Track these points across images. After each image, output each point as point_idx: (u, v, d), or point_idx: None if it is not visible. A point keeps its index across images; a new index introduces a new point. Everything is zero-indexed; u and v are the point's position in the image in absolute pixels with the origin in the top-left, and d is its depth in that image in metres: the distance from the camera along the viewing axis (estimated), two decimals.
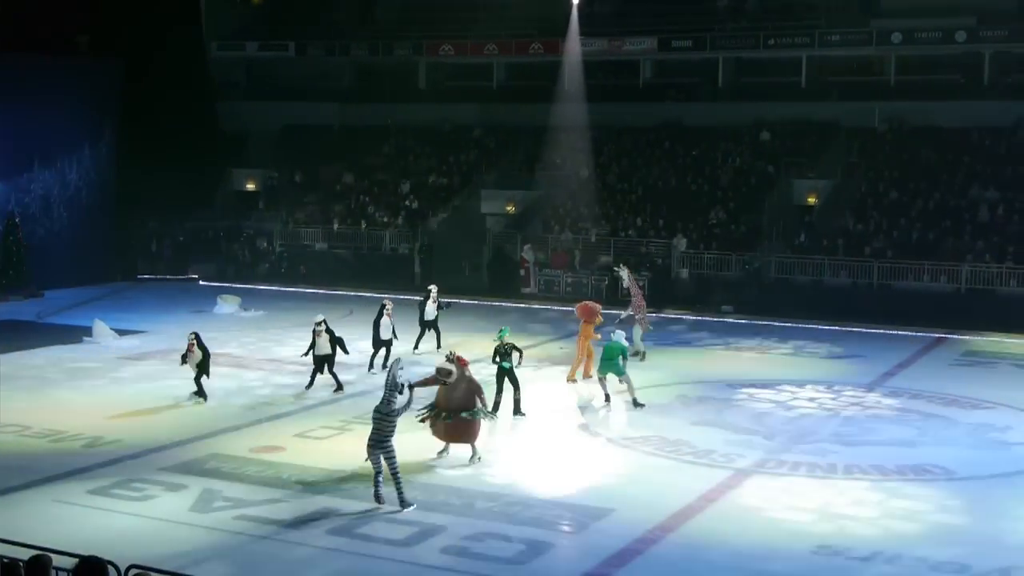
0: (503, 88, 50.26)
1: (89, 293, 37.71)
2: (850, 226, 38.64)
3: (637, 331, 27.15)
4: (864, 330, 32.90)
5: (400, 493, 15.96)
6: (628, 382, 22.40)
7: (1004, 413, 22.67)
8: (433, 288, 28.59)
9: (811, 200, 40.81)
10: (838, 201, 40.50)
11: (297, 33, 51.12)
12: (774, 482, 17.78)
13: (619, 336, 22.77)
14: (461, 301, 33.52)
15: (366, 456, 16.31)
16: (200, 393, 22.56)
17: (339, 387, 23.76)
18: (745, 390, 24.60)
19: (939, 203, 38.69)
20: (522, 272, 40.23)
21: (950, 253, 35.95)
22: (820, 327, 33.13)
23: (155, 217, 44.20)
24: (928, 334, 31.82)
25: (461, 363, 18.57)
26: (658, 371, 26.27)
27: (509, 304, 37.40)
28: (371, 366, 25.49)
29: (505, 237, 42.67)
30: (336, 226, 44.49)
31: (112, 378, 24.92)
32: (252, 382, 24.74)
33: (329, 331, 23.90)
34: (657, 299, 36.32)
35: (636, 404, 22.28)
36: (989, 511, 16.43)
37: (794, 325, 33.38)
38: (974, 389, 24.79)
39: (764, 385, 25.15)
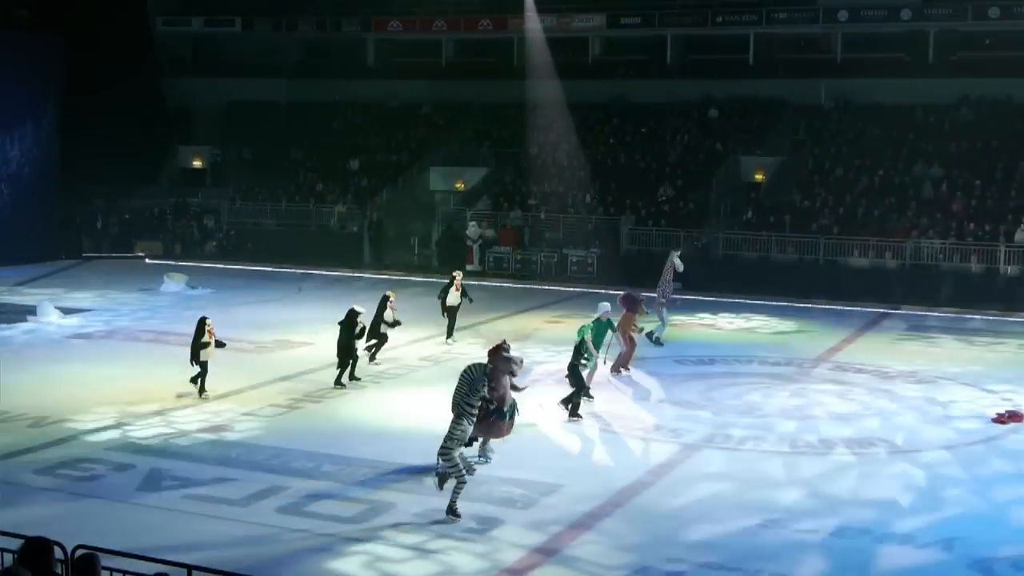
0: (452, 65, 50.13)
1: (33, 271, 37.26)
2: (797, 202, 38.98)
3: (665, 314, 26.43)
4: (810, 305, 33.25)
5: (454, 501, 14.83)
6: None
7: (947, 387, 23.01)
8: (457, 275, 27.24)
9: (758, 177, 41.12)
10: (785, 178, 40.84)
11: (243, 8, 50.68)
12: (721, 456, 17.95)
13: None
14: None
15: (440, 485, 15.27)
16: (202, 377, 21.21)
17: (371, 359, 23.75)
18: (693, 366, 24.80)
19: (884, 180, 39.11)
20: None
21: (895, 229, 36.38)
22: (767, 303, 33.43)
23: (100, 194, 43.74)
24: (873, 309, 32.20)
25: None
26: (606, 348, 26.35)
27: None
28: (372, 358, 23.98)
29: (455, 214, 42.63)
30: (284, 204, 44.23)
31: (57, 357, 24.65)
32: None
33: (374, 323, 23.61)
34: (607, 276, 36.55)
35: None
36: (932, 483, 16.68)
37: (741, 301, 33.65)
38: (918, 363, 25.13)
39: (711, 360, 25.38)
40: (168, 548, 12.92)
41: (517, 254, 39.76)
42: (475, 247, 40.20)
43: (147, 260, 41.70)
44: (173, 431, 18.88)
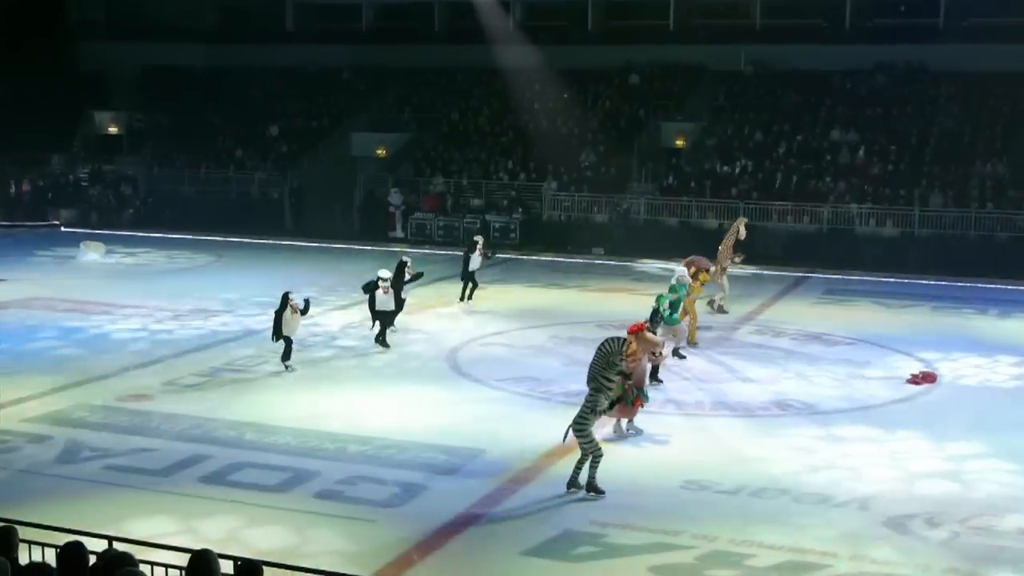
0: (372, 30, 49.68)
1: None
2: (717, 168, 39.31)
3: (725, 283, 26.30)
4: (730, 270, 33.51)
5: (594, 476, 14.56)
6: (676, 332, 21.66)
7: (863, 349, 23.43)
8: (479, 239, 27.42)
9: (679, 143, 41.35)
10: (705, 143, 41.14)
11: None
12: (643, 420, 18.10)
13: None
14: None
15: (564, 437, 15.01)
16: (288, 355, 20.76)
17: (385, 344, 22.50)
18: (615, 330, 24.92)
19: (802, 145, 39.58)
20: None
21: (812, 194, 36.88)
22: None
23: (12, 161, 42.78)
24: (791, 273, 32.63)
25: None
26: (529, 312, 26.50)
27: (379, 248, 37.20)
28: (383, 340, 22.62)
29: (376, 181, 42.39)
30: (204, 171, 43.67)
31: None
32: (120, 330, 24.22)
33: (395, 287, 22.81)
34: (528, 241, 36.68)
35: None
36: (849, 443, 16.99)
37: (662, 265, 33.89)
38: (835, 326, 25.55)
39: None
40: (88, 519, 12.79)
41: (439, 220, 39.67)
42: (397, 213, 40.03)
43: (63, 228, 40.96)
44: (92, 401, 18.63)
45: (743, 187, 37.79)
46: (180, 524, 13.41)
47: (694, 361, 22.11)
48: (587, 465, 14.58)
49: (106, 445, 16.34)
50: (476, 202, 40.15)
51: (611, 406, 15.58)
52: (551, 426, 17.65)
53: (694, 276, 22.72)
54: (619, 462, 15.90)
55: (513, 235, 38.43)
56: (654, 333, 18.91)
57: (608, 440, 16.08)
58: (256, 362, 21.54)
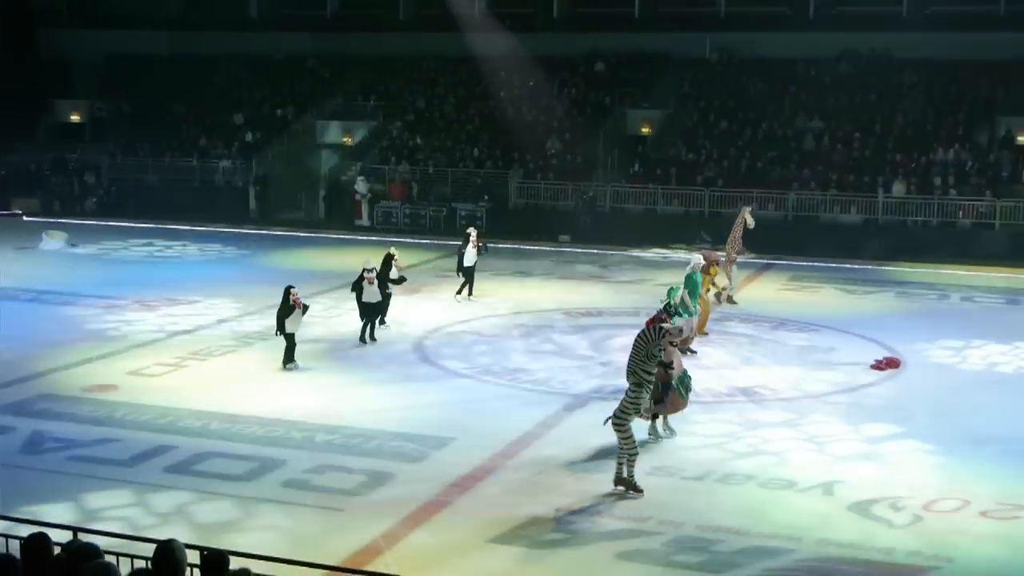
0: (337, 17, 49.41)
1: None
2: (682, 155, 39.41)
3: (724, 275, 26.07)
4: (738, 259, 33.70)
5: (632, 475, 14.24)
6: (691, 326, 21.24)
7: (828, 335, 23.58)
8: (472, 231, 26.72)
9: (645, 130, 41.43)
10: (671, 131, 41.23)
11: None
12: (610, 407, 18.11)
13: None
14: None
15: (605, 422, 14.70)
16: (291, 357, 20.09)
17: (372, 338, 22.12)
18: (582, 318, 25.03)
19: (767, 133, 39.74)
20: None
21: (777, 181, 37.05)
22: (653, 255, 33.83)
23: None
24: (757, 260, 32.72)
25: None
26: (496, 300, 26.51)
27: (345, 236, 37.14)
28: (372, 338, 22.26)
29: (342, 169, 42.24)
30: (168, 159, 43.37)
31: None
32: (84, 320, 24.05)
33: (380, 278, 22.24)
34: (495, 229, 36.62)
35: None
36: (813, 429, 17.10)
37: (627, 254, 33.99)
38: (800, 312, 25.71)
39: (599, 312, 25.63)
40: (52, 510, 12.73)
41: (406, 208, 39.60)
42: (363, 202, 39.92)
43: (24, 218, 40.58)
44: (56, 392, 18.50)
45: (708, 174, 37.92)
46: (146, 515, 13.35)
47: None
48: (624, 462, 14.29)
49: (70, 436, 16.24)
50: (442, 190, 40.07)
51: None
52: (518, 413, 17.73)
53: (705, 270, 22.63)
54: (587, 449, 15.95)
55: (479, 223, 38.34)
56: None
57: (643, 442, 15.88)
58: (222, 352, 21.45)
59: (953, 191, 35.45)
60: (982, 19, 39.04)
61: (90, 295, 26.57)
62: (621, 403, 14.36)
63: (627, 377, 14.51)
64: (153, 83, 47.10)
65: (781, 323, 24.66)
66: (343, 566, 11.48)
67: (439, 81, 45.30)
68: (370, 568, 11.19)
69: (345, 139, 43.86)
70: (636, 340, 14.40)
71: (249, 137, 43.88)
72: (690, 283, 21.17)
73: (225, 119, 45.46)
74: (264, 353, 21.19)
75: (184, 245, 35.01)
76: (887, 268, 32.19)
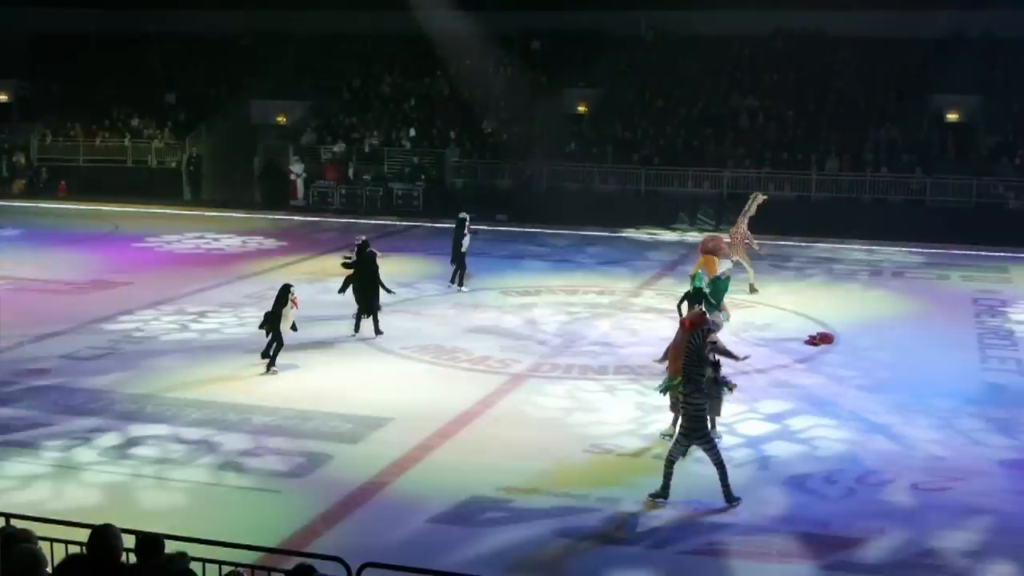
0: None
1: None
2: (619, 134, 39.53)
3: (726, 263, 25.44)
4: (633, 235, 33.89)
5: (727, 485, 13.36)
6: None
7: (763, 311, 23.82)
8: (467, 216, 25.75)
9: (581, 109, 41.50)
10: (607, 109, 41.32)
11: None
12: (548, 385, 18.24)
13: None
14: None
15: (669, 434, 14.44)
16: (272, 358, 18.71)
17: (357, 330, 21.01)
18: (517, 297, 25.06)
19: (702, 111, 39.95)
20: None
21: (713, 159, 37.29)
22: (591, 233, 33.95)
23: None
24: (692, 238, 32.93)
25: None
26: (434, 280, 26.47)
27: (281, 216, 36.87)
28: (358, 326, 21.27)
29: (277, 149, 41.88)
30: (99, 140, 42.75)
31: None
32: (16, 303, 23.65)
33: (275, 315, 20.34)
34: (432, 209, 36.62)
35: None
36: (748, 404, 17.25)
37: (566, 232, 34.08)
38: (735, 289, 25.78)
39: (537, 291, 25.65)
40: None
41: (341, 188, 39.37)
42: (299, 181, 39.65)
43: None
44: None
45: (645, 153, 38.08)
46: (79, 498, 13.20)
47: (599, 327, 22.31)
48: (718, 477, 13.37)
49: (1, 421, 15.99)
50: (378, 169, 39.88)
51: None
52: (456, 392, 17.73)
53: (712, 253, 22.67)
54: (526, 427, 16.01)
55: (416, 203, 38.32)
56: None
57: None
58: (156, 334, 21.23)
59: (884, 168, 35.91)
60: None
61: (20, 277, 26.15)
62: (684, 419, 13.55)
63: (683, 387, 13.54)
64: (83, 62, 46.35)
65: None
66: (281, 547, 11.44)
67: (374, 60, 45.02)
68: (309, 550, 11.15)
69: (280, 119, 43.48)
70: (687, 347, 13.54)
71: (182, 117, 43.34)
72: (714, 286, 20.72)
73: (158, 99, 44.89)
74: (198, 334, 20.99)
75: (116, 227, 34.57)
76: (821, 244, 32.52)
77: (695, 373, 13.37)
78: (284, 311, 18.65)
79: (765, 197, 26.44)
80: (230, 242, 31.78)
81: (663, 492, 13.34)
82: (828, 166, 36.25)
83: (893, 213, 34.91)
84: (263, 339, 18.74)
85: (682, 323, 15.26)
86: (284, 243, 31.81)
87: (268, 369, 18.58)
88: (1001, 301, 25.13)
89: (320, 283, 25.16)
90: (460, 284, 25.42)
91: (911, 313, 23.78)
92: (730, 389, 14.81)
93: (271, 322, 18.64)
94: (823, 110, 39.18)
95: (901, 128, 37.81)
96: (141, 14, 47.16)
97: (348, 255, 22.00)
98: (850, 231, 33.29)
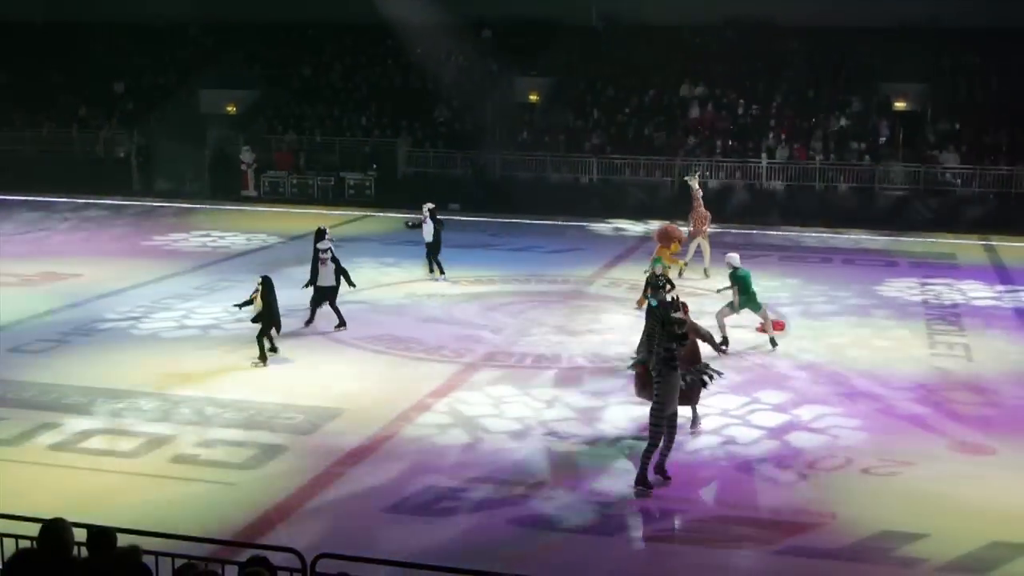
0: None
1: None
2: (570, 123, 39.57)
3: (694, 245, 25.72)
4: (585, 224, 33.96)
5: (644, 469, 13.38)
6: (765, 316, 20.31)
7: (711, 298, 23.86)
8: (428, 206, 25.48)
9: (533, 98, 41.49)
10: (559, 99, 41.34)
11: None
12: (503, 374, 18.26)
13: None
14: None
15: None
16: (262, 355, 18.58)
17: (341, 323, 20.65)
18: (473, 286, 25.05)
19: (653, 100, 40.09)
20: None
21: (664, 148, 37.45)
22: (543, 222, 33.99)
23: None
24: (644, 227, 33.07)
25: (685, 310, 14.78)
26: (387, 269, 26.42)
27: (231, 207, 36.61)
28: (311, 319, 21.03)
29: (227, 139, 41.54)
30: (45, 130, 42.21)
31: None
32: None
33: (335, 259, 20.63)
34: (385, 199, 36.52)
35: (773, 344, 19.89)
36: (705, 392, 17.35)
37: (518, 221, 34.09)
38: (686, 277, 25.88)
39: (491, 280, 25.67)
40: None
41: (293, 178, 39.14)
42: (249, 172, 39.36)
43: None
44: None
45: (596, 142, 38.15)
46: (30, 493, 13.07)
47: (552, 316, 22.35)
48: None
49: None
50: (329, 159, 39.68)
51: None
52: (411, 382, 17.71)
53: (664, 245, 23.11)
54: (480, 416, 16.03)
55: (368, 192, 38.18)
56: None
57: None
58: (107, 326, 21.04)
59: (833, 156, 36.24)
60: None
61: None
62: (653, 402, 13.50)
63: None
64: (28, 51, 45.72)
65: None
66: (236, 540, 11.39)
67: (325, 49, 44.78)
68: (263, 541, 11.11)
69: (229, 108, 43.13)
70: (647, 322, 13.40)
71: (130, 106, 42.88)
72: (739, 281, 20.41)
73: (105, 88, 44.37)
74: (148, 325, 20.84)
75: (64, 218, 34.19)
76: (770, 232, 32.76)
77: (664, 348, 13.14)
78: (253, 303, 18.63)
79: (697, 175, 27.46)
80: (182, 235, 31.49)
81: (644, 480, 13.40)
82: (778, 155, 36.50)
83: (842, 200, 35.25)
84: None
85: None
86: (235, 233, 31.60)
87: (253, 364, 18.39)
88: (947, 286, 25.45)
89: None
90: (441, 272, 25.38)
91: (859, 298, 24.00)
92: (704, 384, 14.85)
93: (267, 316, 18.52)
94: (773, 98, 39.44)
95: (850, 117, 38.15)
96: (88, 2, 46.54)
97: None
98: (800, 218, 33.59)
